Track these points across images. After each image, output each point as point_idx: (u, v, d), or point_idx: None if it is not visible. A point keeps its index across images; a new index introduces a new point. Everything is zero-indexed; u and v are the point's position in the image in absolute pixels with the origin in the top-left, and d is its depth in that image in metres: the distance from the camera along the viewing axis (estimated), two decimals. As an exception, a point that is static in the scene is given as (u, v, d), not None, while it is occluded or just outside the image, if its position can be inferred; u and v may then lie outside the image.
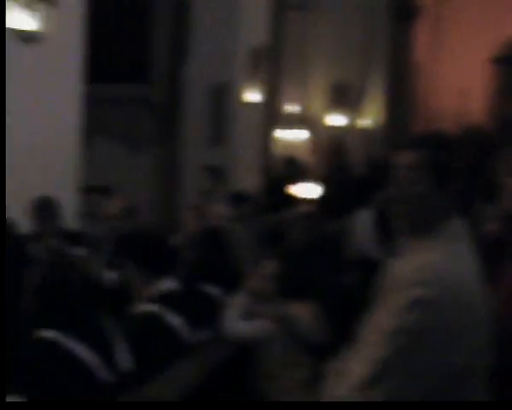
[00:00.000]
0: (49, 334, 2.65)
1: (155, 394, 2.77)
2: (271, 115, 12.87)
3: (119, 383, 2.76)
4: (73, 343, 2.64)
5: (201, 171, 6.62)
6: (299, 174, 10.57)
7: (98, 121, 9.08)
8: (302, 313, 3.39)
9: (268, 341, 3.37)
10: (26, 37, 5.67)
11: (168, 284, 3.25)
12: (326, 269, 3.84)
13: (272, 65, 11.59)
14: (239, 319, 3.46)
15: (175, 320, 3.14)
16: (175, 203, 8.91)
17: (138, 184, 9.66)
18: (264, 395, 3.35)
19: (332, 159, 11.79)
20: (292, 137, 14.36)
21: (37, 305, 2.75)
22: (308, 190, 9.31)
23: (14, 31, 5.55)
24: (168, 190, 10.31)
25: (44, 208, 5.23)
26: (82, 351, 2.65)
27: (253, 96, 10.89)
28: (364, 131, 14.65)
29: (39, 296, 2.75)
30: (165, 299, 3.19)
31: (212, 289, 3.66)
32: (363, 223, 5.95)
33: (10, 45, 5.55)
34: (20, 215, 5.30)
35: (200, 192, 6.60)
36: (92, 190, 6.58)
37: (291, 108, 13.91)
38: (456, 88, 8.42)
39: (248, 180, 10.80)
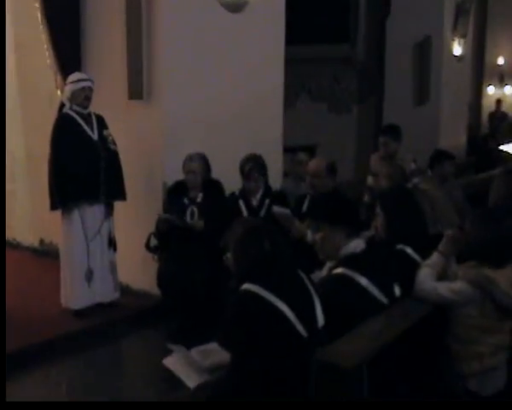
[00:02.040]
0: (252, 287, 2.81)
1: (348, 349, 2.79)
2: (479, 70, 12.13)
3: (313, 338, 2.85)
4: (275, 297, 2.79)
5: (381, 133, 6.42)
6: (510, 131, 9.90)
7: (300, 82, 9.19)
8: (503, 277, 3.20)
9: (466, 304, 3.24)
10: (232, 6, 5.90)
11: (356, 245, 3.24)
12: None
13: (478, 16, 10.87)
14: (434, 280, 3.36)
15: (363, 281, 3.14)
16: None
17: (341, 143, 9.68)
18: (458, 359, 3.25)
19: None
20: (501, 92, 13.43)
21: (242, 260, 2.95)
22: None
23: (222, 1, 5.82)
24: (370, 149, 10.19)
25: (252, 167, 5.42)
26: (282, 305, 2.79)
27: (459, 49, 10.33)
28: None
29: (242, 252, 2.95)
30: (352, 260, 3.20)
31: (406, 250, 3.57)
32: None
33: (219, 14, 5.84)
34: (227, 173, 5.61)
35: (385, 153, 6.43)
36: (295, 149, 6.70)
37: (500, 61, 13.01)
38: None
39: (454, 138, 10.32)
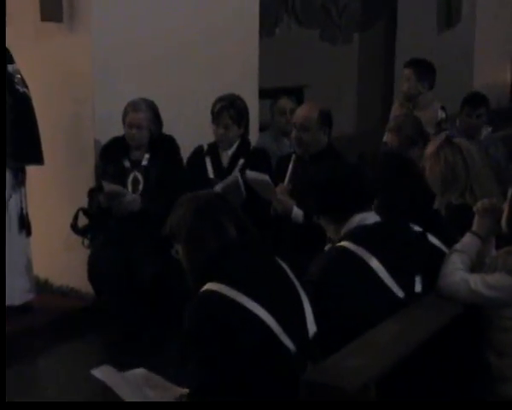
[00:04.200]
0: (216, 287, 2.81)
1: (350, 365, 2.82)
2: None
3: (303, 351, 2.88)
4: (249, 300, 2.80)
5: (406, 67, 6.52)
6: None
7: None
8: None
9: (509, 302, 3.28)
10: None
11: (363, 218, 3.30)
12: None
13: None
14: (467, 271, 3.41)
15: (373, 262, 3.18)
16: (386, 104, 8.80)
17: (337, 84, 9.68)
18: (500, 378, 3.30)
19: None
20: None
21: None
22: None
23: None
24: (377, 91, 10.20)
25: (224, 107, 5.42)
26: (260, 310, 2.80)
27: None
28: None
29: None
30: (359, 232, 3.25)
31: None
32: None
33: None
34: (183, 127, 5.61)
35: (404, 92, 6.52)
36: (276, 94, 6.71)
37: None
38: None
39: (495, 75, 10.38)
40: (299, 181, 4.91)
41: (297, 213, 4.94)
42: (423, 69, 6.43)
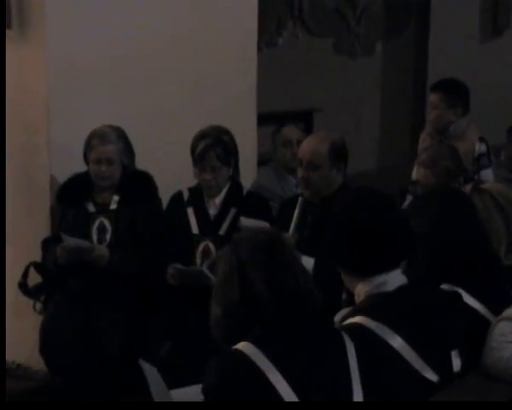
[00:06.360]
0: (245, 348, 2.87)
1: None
2: None
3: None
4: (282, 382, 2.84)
5: (433, 92, 6.56)
6: None
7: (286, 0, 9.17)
8: None
9: None
10: None
11: (385, 280, 3.31)
12: None
13: None
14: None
15: (396, 341, 3.18)
16: (416, 133, 8.82)
17: (355, 108, 9.71)
18: None
19: None
20: None
21: None
22: None
23: None
24: (407, 111, 10.19)
25: (209, 145, 5.41)
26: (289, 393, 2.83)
27: None
28: None
29: None
30: (378, 304, 3.26)
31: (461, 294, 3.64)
32: None
33: None
34: (161, 162, 5.70)
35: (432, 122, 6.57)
36: (279, 120, 6.76)
37: None
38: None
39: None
40: (309, 229, 4.95)
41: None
42: (455, 93, 6.42)
